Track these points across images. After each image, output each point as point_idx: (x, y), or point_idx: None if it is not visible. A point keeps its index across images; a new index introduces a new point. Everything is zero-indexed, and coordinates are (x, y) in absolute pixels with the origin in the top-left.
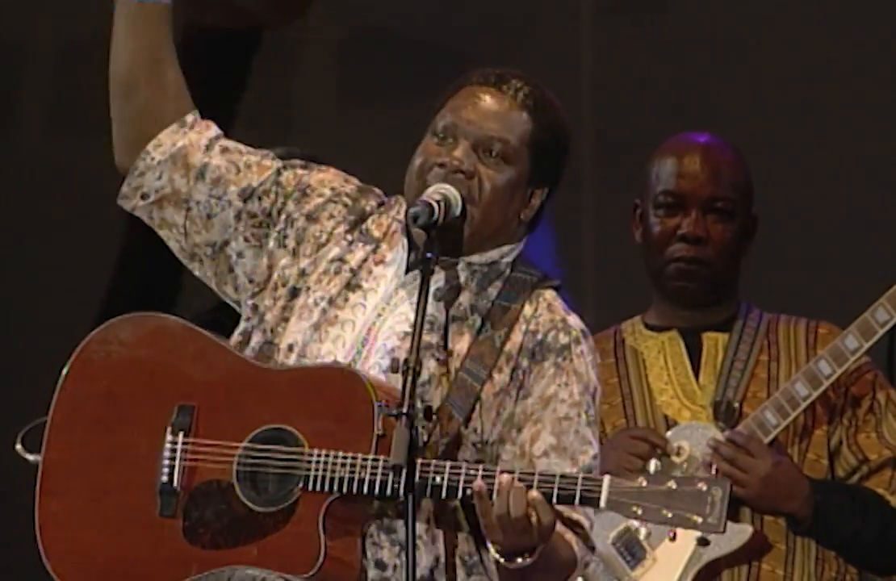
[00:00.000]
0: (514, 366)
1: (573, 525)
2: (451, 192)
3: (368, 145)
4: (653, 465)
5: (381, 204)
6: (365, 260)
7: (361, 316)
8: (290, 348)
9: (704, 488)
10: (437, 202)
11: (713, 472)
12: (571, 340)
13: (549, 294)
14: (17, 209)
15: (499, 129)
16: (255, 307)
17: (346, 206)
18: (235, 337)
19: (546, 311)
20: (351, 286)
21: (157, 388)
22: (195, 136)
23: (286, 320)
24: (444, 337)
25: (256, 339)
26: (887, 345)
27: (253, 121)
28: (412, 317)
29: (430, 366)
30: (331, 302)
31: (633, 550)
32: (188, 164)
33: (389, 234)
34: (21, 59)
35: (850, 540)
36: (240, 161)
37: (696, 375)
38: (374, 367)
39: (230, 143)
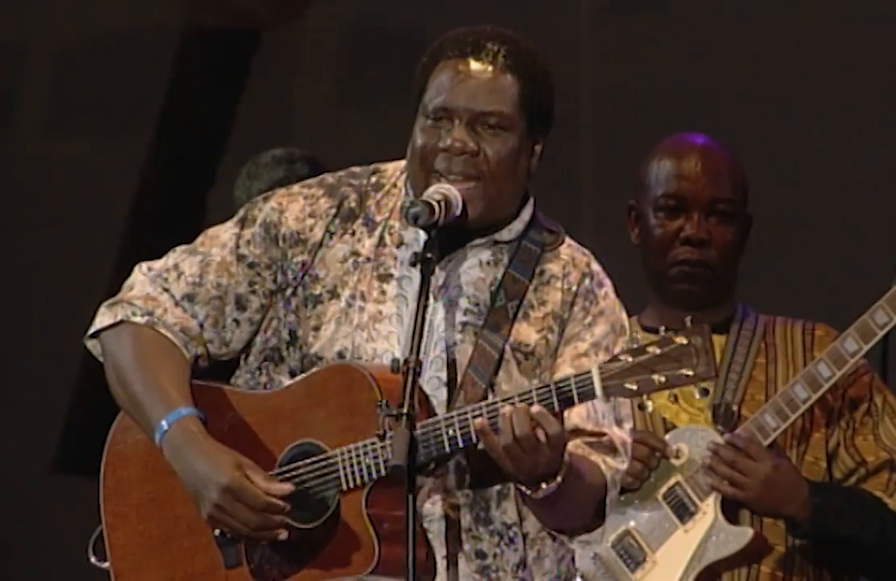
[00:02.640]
0: (561, 321)
1: (597, 438)
2: (452, 191)
3: (367, 145)
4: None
5: (355, 184)
6: (378, 244)
7: (405, 308)
8: (341, 355)
9: (685, 342)
10: (438, 202)
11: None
12: (594, 284)
13: (565, 248)
14: (16, 209)
15: (491, 101)
16: (272, 322)
17: (333, 217)
18: (257, 356)
19: (572, 266)
20: (381, 277)
21: None
22: (185, 321)
23: (316, 329)
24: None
25: (295, 357)
26: (881, 347)
27: (252, 122)
28: (464, 304)
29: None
30: (364, 297)
31: (632, 553)
32: (199, 338)
33: (397, 211)
34: (21, 59)
35: (848, 542)
36: (210, 293)
37: None
38: (436, 360)
39: (192, 284)
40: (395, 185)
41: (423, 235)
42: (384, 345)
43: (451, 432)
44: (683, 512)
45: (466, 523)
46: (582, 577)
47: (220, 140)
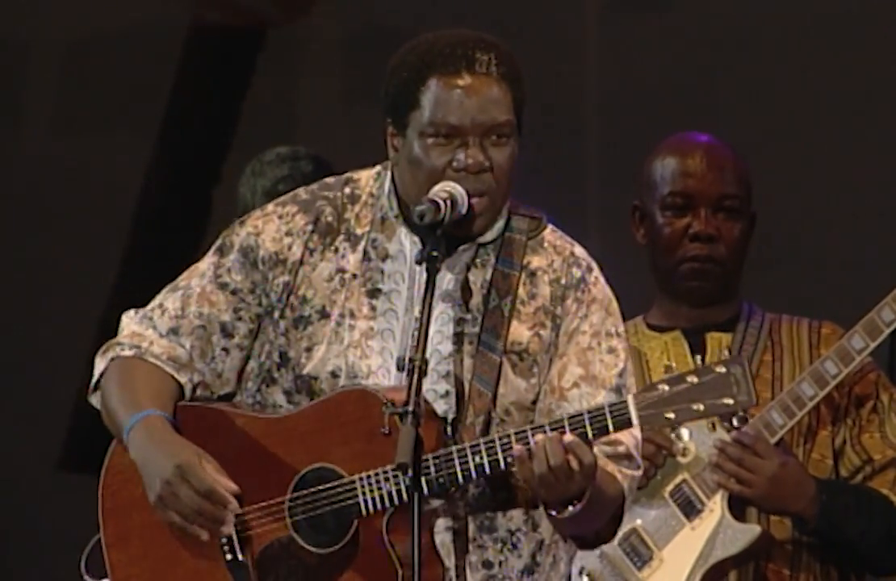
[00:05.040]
0: (553, 316)
1: (614, 446)
2: (458, 190)
3: (373, 143)
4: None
5: (330, 196)
6: (363, 259)
7: (396, 322)
8: (334, 375)
9: (724, 371)
10: (444, 200)
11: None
12: (584, 271)
13: (548, 235)
14: (23, 208)
15: (496, 114)
16: (264, 345)
17: (311, 233)
18: (255, 380)
19: (555, 254)
20: (370, 293)
21: None
22: (173, 349)
23: (308, 350)
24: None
25: (288, 378)
26: (887, 345)
27: (258, 120)
28: (458, 313)
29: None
30: (353, 315)
31: (639, 551)
32: (190, 366)
33: (378, 222)
34: (27, 58)
35: (855, 540)
36: (193, 323)
37: None
38: (433, 373)
39: (175, 317)
40: (371, 195)
41: (407, 246)
42: (378, 361)
43: (477, 460)
44: (690, 509)
45: (471, 533)
46: (588, 575)
47: (226, 138)
